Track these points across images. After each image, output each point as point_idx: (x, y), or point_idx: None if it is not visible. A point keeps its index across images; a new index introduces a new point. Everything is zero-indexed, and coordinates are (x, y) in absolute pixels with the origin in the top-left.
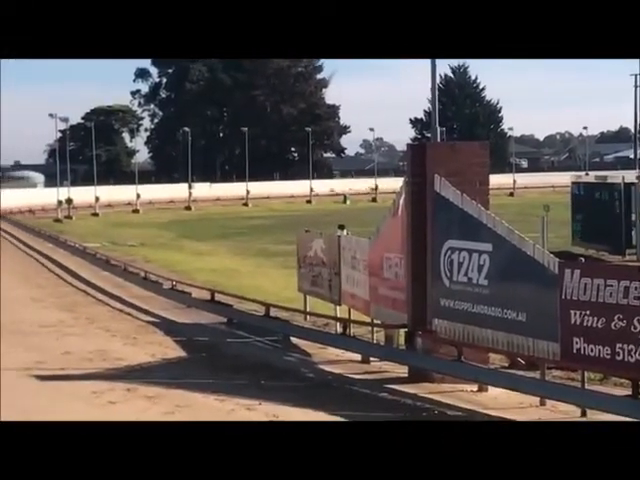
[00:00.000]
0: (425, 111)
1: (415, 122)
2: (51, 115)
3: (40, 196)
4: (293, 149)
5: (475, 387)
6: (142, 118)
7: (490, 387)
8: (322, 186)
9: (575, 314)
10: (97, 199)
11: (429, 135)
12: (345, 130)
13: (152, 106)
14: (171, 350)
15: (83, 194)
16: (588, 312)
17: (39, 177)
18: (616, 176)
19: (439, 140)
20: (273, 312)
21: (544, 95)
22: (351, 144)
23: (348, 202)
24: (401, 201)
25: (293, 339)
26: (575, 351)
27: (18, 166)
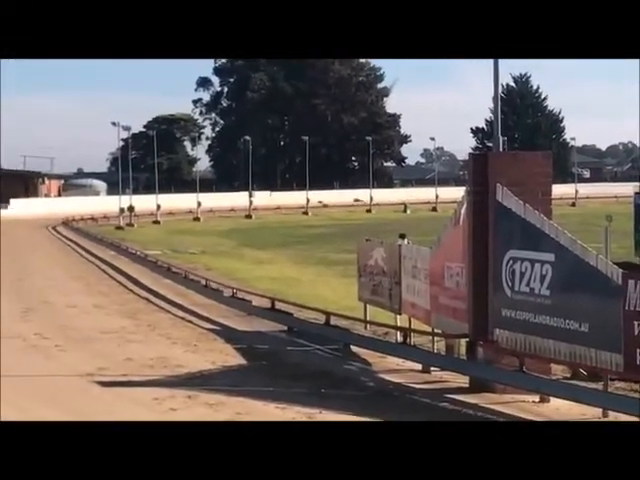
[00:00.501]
0: (486, 120)
1: (476, 131)
2: (114, 123)
3: (102, 204)
4: (353, 158)
5: (537, 398)
6: (203, 127)
7: (552, 398)
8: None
9: (639, 325)
10: (158, 207)
11: (490, 144)
12: (406, 139)
13: (213, 115)
14: (231, 358)
15: (145, 202)
16: None
17: (101, 185)
18: None
19: (501, 149)
20: (333, 321)
21: (606, 105)
22: (412, 153)
23: (408, 211)
24: (463, 210)
25: (353, 348)
26: (639, 362)
27: (81, 174)
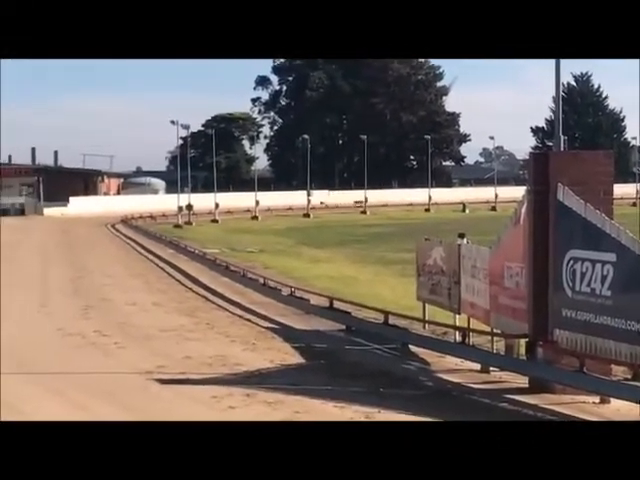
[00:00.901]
0: (547, 120)
1: (536, 130)
2: (173, 122)
3: (161, 202)
4: (412, 157)
5: (597, 399)
6: (262, 125)
7: (612, 399)
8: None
9: None
10: (217, 205)
11: (550, 144)
12: (465, 138)
13: (272, 113)
14: (290, 356)
15: (203, 200)
16: None
17: (160, 183)
18: None
19: (562, 149)
20: (392, 320)
21: None
22: (470, 152)
23: (467, 211)
24: (523, 210)
25: (412, 347)
26: None
27: (140, 172)
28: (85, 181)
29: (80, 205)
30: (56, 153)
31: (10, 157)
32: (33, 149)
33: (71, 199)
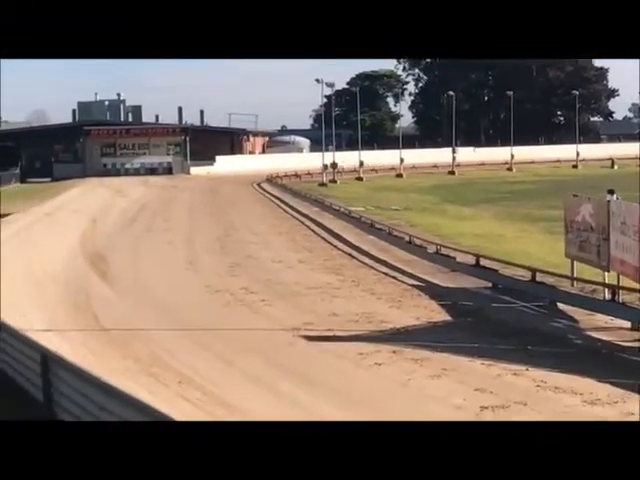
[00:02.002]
0: None
1: None
2: (317, 81)
3: (306, 160)
4: (559, 113)
5: None
6: (406, 82)
7: None
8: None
9: None
10: (361, 163)
11: None
12: (613, 93)
13: (416, 70)
14: (436, 314)
15: (347, 158)
16: None
17: (305, 142)
18: None
19: None
20: (539, 277)
21: None
22: (619, 107)
23: (616, 167)
24: None
25: (560, 305)
26: None
27: (285, 131)
28: (231, 140)
29: (226, 164)
30: (202, 112)
31: (157, 117)
32: (180, 108)
33: (217, 158)
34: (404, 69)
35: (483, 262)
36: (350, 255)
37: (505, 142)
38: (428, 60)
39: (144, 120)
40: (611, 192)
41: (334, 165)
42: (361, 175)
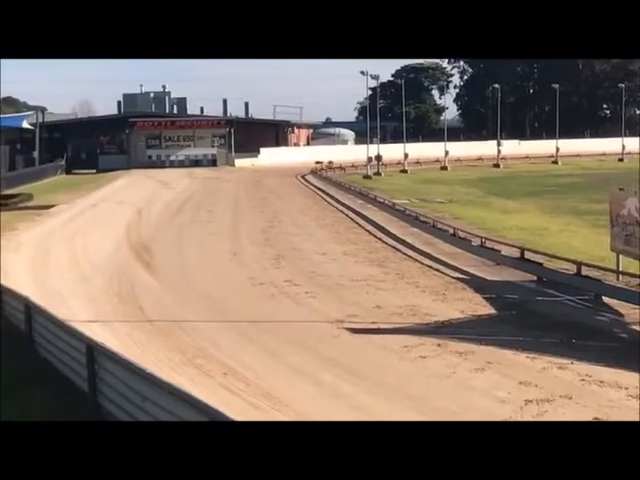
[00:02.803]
0: None
1: None
2: (362, 73)
3: (350, 152)
4: (605, 106)
5: None
6: (452, 75)
7: None
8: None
9: None
10: (406, 156)
11: None
12: None
13: (462, 63)
14: (481, 307)
15: (392, 151)
16: None
17: (349, 134)
18: None
19: None
20: (584, 271)
21: None
22: None
23: None
24: None
25: (605, 299)
26: None
27: (329, 123)
28: (276, 132)
29: (270, 156)
30: (247, 104)
31: (202, 109)
32: (225, 100)
33: (262, 150)
34: (449, 62)
35: (528, 255)
36: (394, 248)
37: (550, 135)
38: None
39: (189, 112)
40: None
41: (378, 157)
42: (406, 167)
